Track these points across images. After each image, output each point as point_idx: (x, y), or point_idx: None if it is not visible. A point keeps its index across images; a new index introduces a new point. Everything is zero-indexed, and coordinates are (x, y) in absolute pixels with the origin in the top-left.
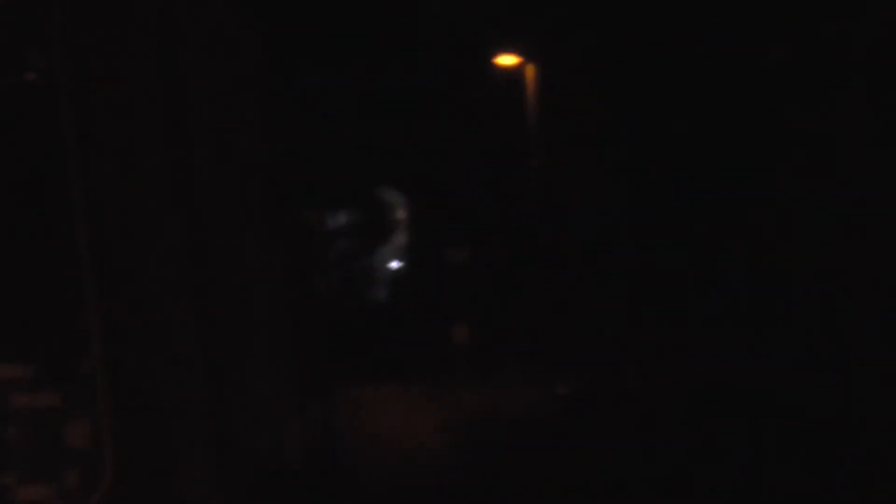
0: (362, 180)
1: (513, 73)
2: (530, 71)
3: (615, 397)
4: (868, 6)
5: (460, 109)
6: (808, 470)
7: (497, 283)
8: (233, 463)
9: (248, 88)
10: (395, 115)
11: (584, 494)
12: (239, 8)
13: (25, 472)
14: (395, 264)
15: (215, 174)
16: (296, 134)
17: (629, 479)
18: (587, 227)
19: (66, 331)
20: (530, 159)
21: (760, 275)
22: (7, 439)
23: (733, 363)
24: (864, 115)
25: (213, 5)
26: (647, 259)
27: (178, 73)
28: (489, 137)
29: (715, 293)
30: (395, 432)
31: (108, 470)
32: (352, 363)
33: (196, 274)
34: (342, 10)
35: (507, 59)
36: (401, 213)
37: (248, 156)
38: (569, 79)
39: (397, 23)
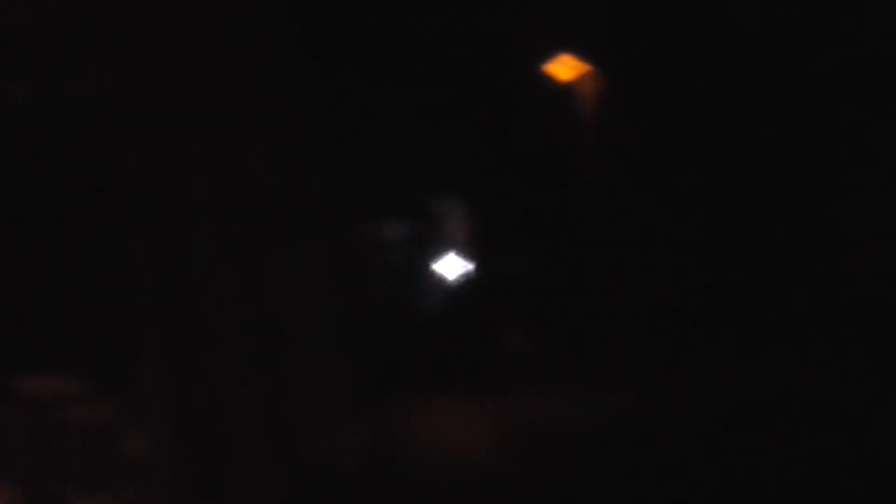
0: (418, 190)
1: (570, 83)
2: (588, 81)
3: (675, 406)
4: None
5: (518, 116)
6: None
7: (556, 290)
8: (288, 472)
9: (300, 100)
10: (451, 123)
11: None
12: (285, 19)
13: (82, 484)
14: (453, 273)
15: (269, 186)
16: (350, 144)
17: (680, 491)
18: (645, 236)
19: (122, 345)
20: (588, 168)
21: (820, 290)
22: (64, 452)
23: (792, 376)
24: None
25: (260, 19)
26: (706, 270)
27: (229, 87)
28: (548, 145)
29: (776, 306)
30: (451, 441)
31: (164, 483)
32: (408, 372)
33: (251, 286)
34: (395, 17)
35: (565, 69)
36: (458, 222)
37: (301, 167)
38: (628, 89)
39: (453, 28)
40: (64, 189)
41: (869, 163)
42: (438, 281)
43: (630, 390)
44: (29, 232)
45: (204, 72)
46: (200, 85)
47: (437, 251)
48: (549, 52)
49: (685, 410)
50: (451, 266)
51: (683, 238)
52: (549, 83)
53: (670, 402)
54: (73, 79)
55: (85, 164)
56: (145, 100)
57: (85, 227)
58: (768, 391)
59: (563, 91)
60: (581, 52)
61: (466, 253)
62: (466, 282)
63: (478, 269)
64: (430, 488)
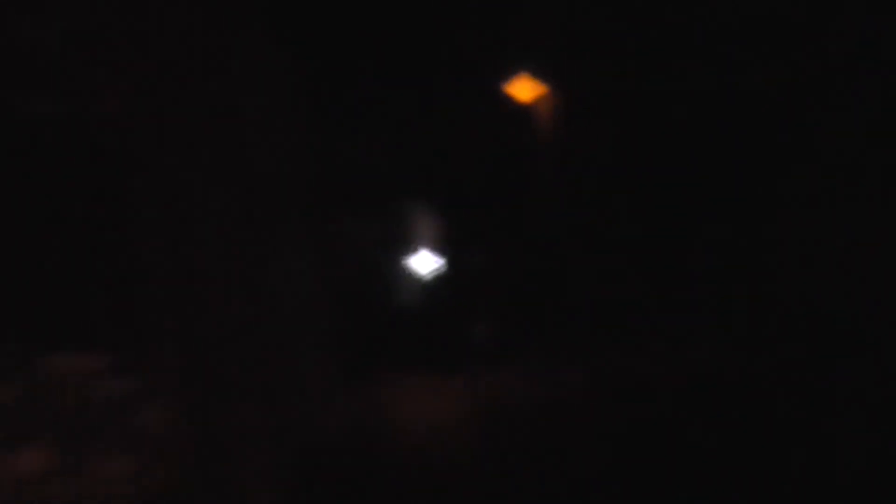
0: (396, 194)
1: (529, 102)
2: (544, 100)
3: (617, 383)
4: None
5: (484, 130)
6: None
7: (515, 285)
8: (284, 441)
9: (290, 112)
10: (426, 135)
11: (576, 465)
12: (273, 35)
13: (105, 450)
14: (426, 269)
15: (265, 191)
16: (332, 150)
17: (622, 459)
18: (594, 233)
19: (141, 328)
20: (542, 176)
21: (755, 270)
22: (90, 422)
23: (732, 351)
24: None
25: (251, 37)
26: (646, 269)
27: (232, 104)
28: (509, 155)
29: (714, 288)
30: (425, 415)
31: (175, 448)
32: (387, 356)
33: (251, 280)
34: (375, 37)
35: (524, 89)
36: (431, 224)
37: (293, 174)
38: (581, 108)
39: (427, 49)
40: (91, 192)
41: (803, 180)
42: (413, 275)
43: (576, 371)
44: (60, 230)
45: (210, 89)
46: (207, 102)
47: (412, 249)
48: (511, 72)
49: (622, 387)
50: (424, 262)
51: (628, 239)
52: (510, 101)
53: (610, 381)
54: (93, 93)
55: (107, 170)
56: (159, 113)
57: (109, 226)
58: (692, 371)
59: (523, 108)
60: (538, 73)
61: (438, 250)
62: (437, 276)
63: (447, 265)
64: (408, 456)
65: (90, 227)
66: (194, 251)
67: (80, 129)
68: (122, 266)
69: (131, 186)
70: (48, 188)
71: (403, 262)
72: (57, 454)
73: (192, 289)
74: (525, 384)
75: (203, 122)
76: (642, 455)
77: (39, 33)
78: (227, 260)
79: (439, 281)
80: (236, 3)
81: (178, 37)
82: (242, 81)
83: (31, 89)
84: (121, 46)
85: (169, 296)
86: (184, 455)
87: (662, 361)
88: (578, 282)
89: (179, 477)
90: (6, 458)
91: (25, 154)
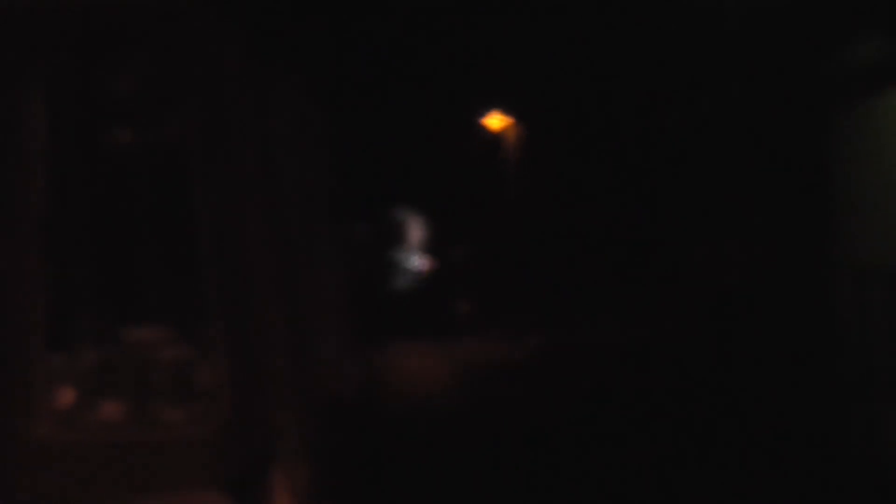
0: (392, 204)
1: (499, 131)
2: (511, 130)
3: (562, 350)
4: None
5: (463, 153)
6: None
7: (487, 273)
8: (307, 395)
9: (315, 142)
10: (417, 158)
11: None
12: (304, 83)
13: (168, 403)
14: (417, 261)
15: (295, 200)
16: (345, 171)
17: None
18: (550, 231)
19: (197, 306)
20: (509, 191)
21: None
22: (156, 380)
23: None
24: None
25: (291, 98)
26: (590, 259)
27: (268, 139)
28: (484, 173)
29: (637, 284)
30: (418, 373)
31: (223, 402)
32: (388, 327)
33: (284, 267)
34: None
35: (495, 121)
36: (422, 227)
37: (316, 187)
38: (538, 136)
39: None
40: (159, 201)
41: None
42: (408, 266)
43: (535, 339)
44: (135, 231)
45: (251, 121)
46: (249, 131)
47: (408, 246)
48: (486, 109)
49: (572, 351)
50: (418, 256)
51: (574, 237)
52: (485, 131)
53: (562, 346)
54: (164, 125)
55: (172, 185)
56: (214, 141)
57: (173, 228)
58: (628, 339)
59: (495, 137)
60: (507, 109)
61: (428, 247)
62: (429, 266)
63: (435, 258)
64: (406, 405)
65: (158, 229)
66: (240, 248)
67: (154, 153)
68: (182, 259)
69: (191, 198)
70: (127, 200)
71: (401, 256)
72: (130, 405)
73: (237, 277)
74: (494, 347)
75: (248, 148)
76: (581, 399)
77: (122, 79)
78: (266, 254)
79: (430, 269)
80: (272, 59)
81: (230, 85)
82: (278, 116)
83: (114, 124)
84: (182, 90)
85: (219, 282)
86: (228, 404)
87: (600, 333)
88: (537, 270)
89: (227, 423)
90: (91, 408)
91: (111, 172)
